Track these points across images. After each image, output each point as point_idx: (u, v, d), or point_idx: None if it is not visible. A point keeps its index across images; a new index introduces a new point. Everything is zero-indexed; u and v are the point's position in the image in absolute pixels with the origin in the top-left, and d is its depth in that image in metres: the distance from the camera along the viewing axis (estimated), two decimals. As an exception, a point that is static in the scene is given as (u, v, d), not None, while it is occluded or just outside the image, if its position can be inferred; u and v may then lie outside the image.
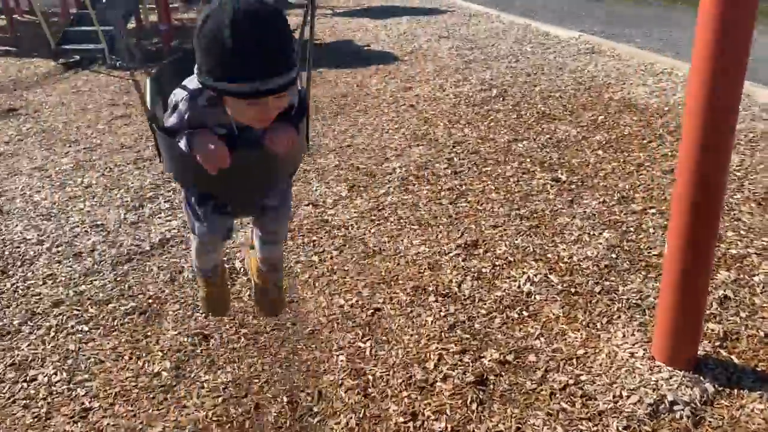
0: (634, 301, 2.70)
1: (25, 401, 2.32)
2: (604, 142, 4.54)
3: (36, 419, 2.23)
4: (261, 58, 1.32)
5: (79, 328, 2.72)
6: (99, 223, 3.65)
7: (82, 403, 2.29)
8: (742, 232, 3.20)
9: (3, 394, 2.36)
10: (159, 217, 3.68)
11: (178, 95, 1.54)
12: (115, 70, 7.55)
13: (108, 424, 2.20)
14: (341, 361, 2.46)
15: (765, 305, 2.63)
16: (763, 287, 2.74)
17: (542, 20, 9.41)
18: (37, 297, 2.96)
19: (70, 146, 4.98)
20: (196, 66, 1.41)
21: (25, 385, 2.40)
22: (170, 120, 1.56)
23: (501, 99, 5.68)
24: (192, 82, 1.49)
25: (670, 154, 4.20)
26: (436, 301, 2.80)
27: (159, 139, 1.63)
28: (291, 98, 1.55)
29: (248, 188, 1.70)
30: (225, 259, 2.27)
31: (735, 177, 3.84)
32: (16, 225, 3.68)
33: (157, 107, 1.73)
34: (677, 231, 2.16)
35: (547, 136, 4.74)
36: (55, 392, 2.35)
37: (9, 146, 5.05)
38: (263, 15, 1.32)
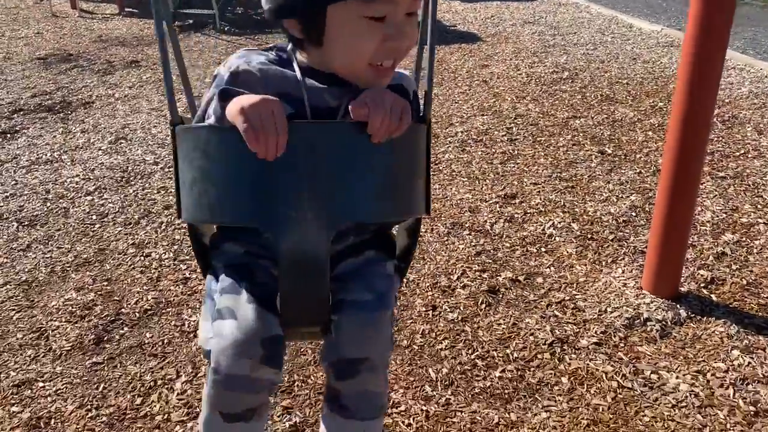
0: (640, 249, 3.13)
1: (141, 268, 3.04)
2: (656, 125, 4.87)
3: (149, 280, 2.94)
4: None
5: (183, 226, 3.43)
6: (203, 153, 4.39)
7: (184, 274, 2.99)
8: (759, 206, 3.53)
9: (126, 263, 3.09)
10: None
11: (232, 63, 1.22)
12: (222, 34, 8.39)
13: (202, 289, 2.88)
14: (384, 267, 3.04)
15: (757, 262, 2.99)
16: (761, 249, 3.10)
17: (634, 14, 9.56)
18: (152, 201, 3.70)
19: (181, 94, 5.76)
20: None
21: (142, 258, 3.13)
22: (208, 94, 1.19)
23: (570, 81, 6.05)
24: (251, 56, 1.23)
25: (715, 139, 4.50)
26: (470, 234, 3.33)
27: (177, 153, 1.20)
28: (404, 79, 1.27)
29: (317, 211, 1.07)
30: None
31: (766, 157, 4.12)
32: (137, 149, 4.47)
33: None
34: (664, 182, 2.59)
35: (605, 116, 5.11)
36: (164, 265, 3.06)
37: (132, 90, 5.92)
38: None
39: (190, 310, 2.70)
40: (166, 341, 2.51)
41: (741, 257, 3.04)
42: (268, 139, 1.01)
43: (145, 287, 2.89)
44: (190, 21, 8.99)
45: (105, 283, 2.92)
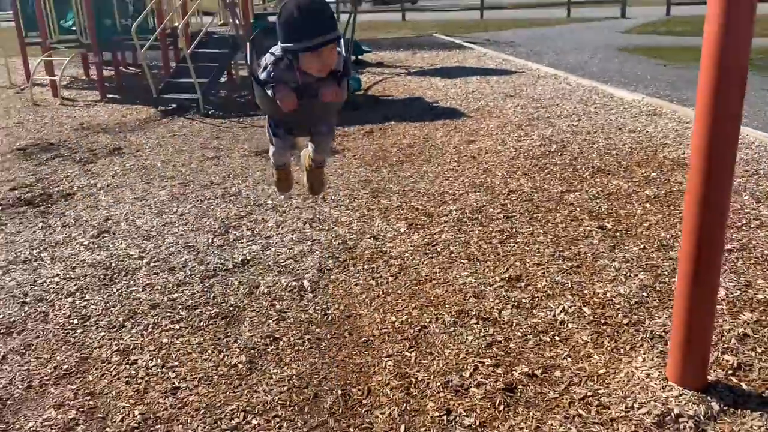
0: (657, 333, 2.97)
1: (127, 378, 2.81)
2: (652, 197, 4.81)
3: (135, 392, 2.71)
4: (317, 24, 2.24)
5: (172, 326, 3.22)
6: (190, 244, 4.21)
7: (173, 383, 2.76)
8: (772, 280, 3.41)
9: (110, 372, 2.86)
10: (241, 242, 4.21)
11: (267, 59, 2.44)
12: (206, 118, 8.37)
13: (193, 400, 2.65)
14: (389, 365, 2.84)
15: (782, 343, 2.84)
16: (784, 328, 2.96)
17: (612, 84, 9.75)
18: (138, 300, 3.50)
19: (166, 181, 5.66)
20: (279, 40, 2.32)
21: (127, 366, 2.90)
22: (262, 75, 2.45)
23: (559, 154, 6.03)
24: (276, 50, 2.40)
25: (714, 208, 4.42)
26: (477, 323, 3.15)
27: (255, 87, 2.53)
28: (338, 61, 2.41)
29: (307, 120, 2.68)
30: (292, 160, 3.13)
31: (775, 231, 4.04)
32: (121, 243, 4.29)
33: (255, 64, 2.57)
34: (684, 271, 2.46)
35: (599, 188, 5.04)
36: (151, 373, 2.84)
37: (115, 179, 5.79)
38: (313, 3, 2.24)
39: (180, 427, 2.47)
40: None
41: (764, 338, 2.89)
42: (289, 107, 2.40)
43: (131, 401, 2.65)
44: (174, 105, 8.99)
45: (87, 398, 2.68)
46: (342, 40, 2.61)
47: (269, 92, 2.42)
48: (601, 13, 26.37)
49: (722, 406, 2.44)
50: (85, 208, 5.02)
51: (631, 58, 12.96)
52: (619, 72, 11.14)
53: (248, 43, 2.67)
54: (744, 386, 2.56)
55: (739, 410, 2.42)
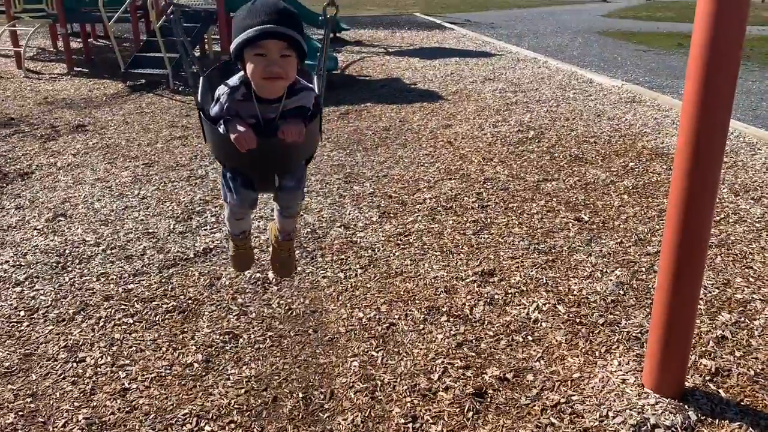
0: (634, 335, 2.86)
1: (73, 378, 2.63)
2: (630, 188, 4.70)
3: (82, 394, 2.53)
4: (268, 14, 1.82)
5: (125, 321, 3.03)
6: (150, 231, 4.01)
7: (123, 384, 2.58)
8: (751, 279, 3.32)
9: (55, 371, 2.68)
10: (204, 229, 4.02)
11: (221, 90, 2.00)
12: (176, 95, 8.08)
13: (143, 403, 2.48)
14: (354, 366, 2.69)
15: (760, 347, 2.75)
16: (762, 331, 2.87)
17: (591, 68, 9.63)
18: (91, 291, 3.30)
19: (130, 161, 5.42)
20: (231, 46, 1.89)
21: (74, 364, 2.71)
22: (214, 109, 2.01)
23: (537, 141, 5.90)
24: (232, 80, 1.98)
25: (693, 202, 4.33)
26: (448, 321, 3.01)
27: (204, 124, 2.08)
28: (306, 95, 2.04)
29: (269, 168, 2.13)
30: (252, 230, 2.74)
31: (754, 228, 3.95)
32: (77, 228, 4.07)
33: (207, 99, 2.15)
34: (665, 271, 2.33)
35: (577, 178, 4.92)
36: (99, 372, 2.66)
37: (76, 158, 5.52)
38: (280, 5, 1.87)
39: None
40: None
41: (743, 342, 2.80)
42: (245, 146, 1.94)
43: (76, 403, 2.47)
44: (143, 81, 8.67)
45: (29, 400, 2.50)
46: (314, 72, 2.26)
47: (221, 129, 1.97)
48: (582, -4, 26.20)
49: (700, 415, 2.34)
50: (42, 189, 4.77)
51: (611, 43, 12.86)
52: (598, 56, 11.03)
53: (201, 79, 2.22)
54: (722, 393, 2.47)
55: (717, 420, 2.32)
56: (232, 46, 1.87)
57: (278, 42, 1.84)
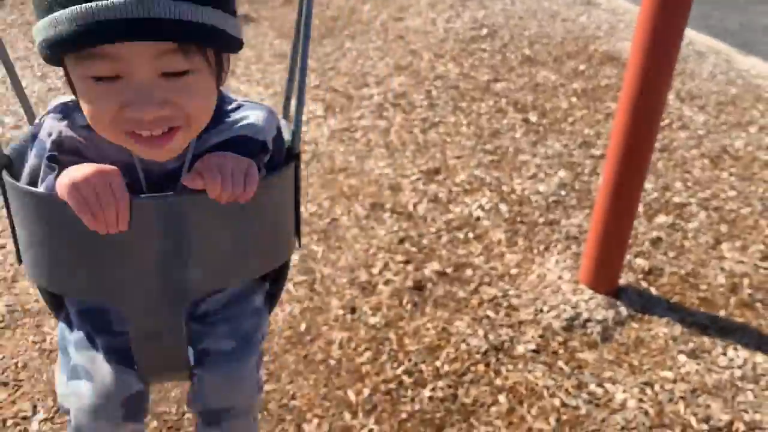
0: (573, 234, 2.89)
1: (-6, 266, 2.49)
2: (579, 91, 4.66)
3: (3, 280, 2.41)
4: None
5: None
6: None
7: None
8: (689, 184, 3.38)
9: (-26, 258, 2.53)
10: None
11: (41, 121, 1.00)
12: None
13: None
14: (293, 259, 2.64)
15: (693, 248, 2.83)
16: (695, 233, 2.94)
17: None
18: None
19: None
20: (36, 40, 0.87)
21: (-5, 252, 2.57)
22: (30, 162, 0.98)
23: (489, 39, 5.73)
24: (48, 124, 0.98)
25: (639, 107, 4.33)
26: (391, 217, 2.97)
27: (9, 202, 1.00)
28: (254, 130, 1.02)
29: (166, 287, 0.98)
30: None
31: (696, 135, 4.00)
32: (-2, 110, 3.77)
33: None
34: (609, 169, 2.32)
35: (527, 79, 4.84)
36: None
37: (-5, 36, 5.07)
38: None
39: (53, 322, 2.21)
40: (20, 364, 2.03)
41: (677, 243, 2.87)
42: (107, 218, 0.88)
43: (-2, 291, 2.36)
44: None
45: (-55, 287, 2.36)
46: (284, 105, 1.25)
47: (44, 186, 0.94)
48: None
49: (630, 311, 2.41)
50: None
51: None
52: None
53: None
54: (653, 291, 2.54)
55: (647, 315, 2.39)
56: (37, 43, 0.87)
57: (151, 44, 0.82)
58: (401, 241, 2.79)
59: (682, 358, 2.19)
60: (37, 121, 1.01)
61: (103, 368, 1.06)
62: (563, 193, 3.23)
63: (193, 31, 0.82)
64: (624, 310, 2.40)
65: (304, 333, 2.26)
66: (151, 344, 1.02)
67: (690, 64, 5.32)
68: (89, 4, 0.77)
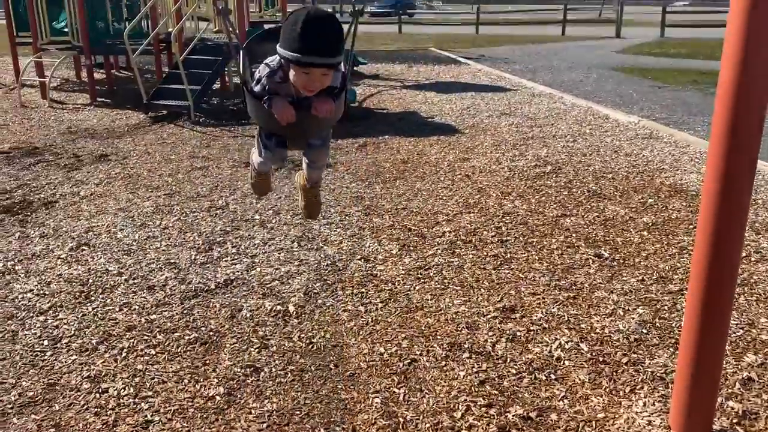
0: (658, 374, 2.83)
1: (96, 409, 2.63)
2: (650, 224, 4.69)
3: (104, 425, 2.53)
4: (318, 42, 2.08)
5: (148, 352, 3.04)
6: (172, 261, 4.04)
7: (145, 416, 2.59)
8: (776, 319, 3.29)
9: (78, 401, 2.68)
10: (225, 260, 4.05)
11: (262, 71, 2.30)
12: (197, 126, 8.20)
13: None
14: (376, 403, 2.68)
15: (788, 390, 2.71)
16: (789, 373, 2.83)
17: (607, 104, 9.68)
18: (114, 321, 3.32)
19: (152, 191, 5.49)
20: (278, 45, 2.16)
21: (97, 395, 2.72)
22: (256, 87, 2.34)
23: (554, 175, 5.92)
24: (272, 62, 2.28)
25: (714, 239, 4.31)
26: (470, 357, 3.00)
27: (247, 98, 2.40)
28: (335, 79, 2.30)
29: (302, 133, 2.54)
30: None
31: (777, 267, 3.92)
32: (100, 257, 4.11)
33: (248, 72, 2.52)
34: (693, 311, 2.32)
35: (596, 214, 4.92)
36: (122, 404, 2.66)
37: (99, 188, 5.60)
38: (326, 19, 2.09)
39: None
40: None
41: (770, 383, 2.76)
42: (286, 118, 2.28)
43: (99, 435, 2.48)
44: (164, 112, 8.82)
45: (52, 430, 2.50)
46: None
47: (265, 105, 2.30)
48: (595, 33, 26.49)
49: (728, 459, 2.30)
50: (66, 218, 4.83)
51: (626, 79, 12.93)
52: (614, 92, 11.09)
53: (241, 52, 2.55)
54: (750, 437, 2.43)
55: (746, 464, 2.28)
56: (279, 50, 2.15)
57: (323, 69, 2.17)
58: (482, 383, 2.80)
59: None
60: (267, 61, 2.31)
61: (274, 148, 2.57)
62: (644, 331, 3.20)
63: (333, 65, 2.20)
64: (722, 459, 2.30)
65: (390, 480, 2.25)
66: (295, 142, 2.61)
67: (761, 195, 5.30)
68: (309, 58, 2.10)
